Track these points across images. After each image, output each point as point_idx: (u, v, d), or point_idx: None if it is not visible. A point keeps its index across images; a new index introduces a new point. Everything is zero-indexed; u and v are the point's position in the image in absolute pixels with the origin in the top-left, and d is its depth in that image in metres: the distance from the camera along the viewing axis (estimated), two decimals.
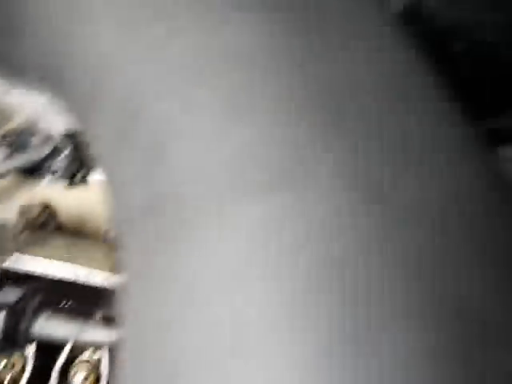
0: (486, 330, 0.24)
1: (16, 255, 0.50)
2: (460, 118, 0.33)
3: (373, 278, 0.23)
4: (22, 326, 0.47)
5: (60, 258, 0.54)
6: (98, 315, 0.66)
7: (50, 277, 0.57)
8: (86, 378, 0.69)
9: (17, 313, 0.47)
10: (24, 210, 0.75)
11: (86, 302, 0.68)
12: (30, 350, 0.68)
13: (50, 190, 0.77)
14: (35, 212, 0.75)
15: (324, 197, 0.26)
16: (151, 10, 0.37)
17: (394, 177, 0.28)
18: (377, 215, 0.25)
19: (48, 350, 0.71)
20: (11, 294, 0.47)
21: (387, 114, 0.31)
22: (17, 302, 0.47)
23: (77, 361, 0.71)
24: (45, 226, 0.76)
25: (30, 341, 0.48)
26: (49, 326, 0.48)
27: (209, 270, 0.25)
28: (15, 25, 0.49)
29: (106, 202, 0.42)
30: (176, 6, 0.35)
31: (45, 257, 0.53)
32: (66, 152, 0.69)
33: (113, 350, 0.71)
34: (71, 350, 0.71)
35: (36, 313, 0.48)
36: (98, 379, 0.70)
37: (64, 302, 0.63)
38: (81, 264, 0.55)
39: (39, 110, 0.71)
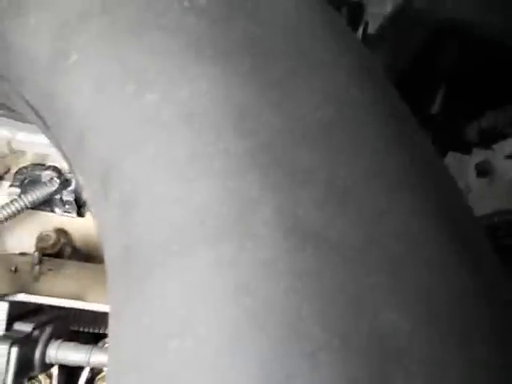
0: None
1: (29, 289, 0.55)
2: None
3: (304, 317, 0.26)
4: (37, 355, 0.52)
5: (70, 291, 0.59)
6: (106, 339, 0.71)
7: (59, 309, 0.63)
8: None
9: (30, 344, 0.52)
10: (41, 239, 0.80)
11: (93, 328, 0.73)
12: (55, 370, 0.74)
13: (63, 219, 0.82)
14: (52, 239, 0.80)
15: (263, 244, 0.29)
16: (121, 69, 0.41)
17: (328, 218, 0.31)
18: (308, 257, 0.28)
19: (71, 369, 0.77)
20: (24, 328, 0.52)
21: (327, 153, 0.33)
22: (29, 335, 0.52)
23: (99, 376, 0.77)
24: (62, 252, 0.82)
25: (46, 367, 0.53)
26: (61, 353, 0.53)
27: (167, 310, 0.29)
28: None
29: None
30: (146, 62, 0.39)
31: (56, 289, 0.58)
32: (73, 185, 0.74)
33: None
34: (93, 368, 0.76)
35: (48, 342, 0.53)
36: None
37: (73, 329, 0.68)
38: (90, 292, 0.60)
39: (47, 147, 0.76)
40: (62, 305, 0.56)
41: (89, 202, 0.46)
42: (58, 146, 0.52)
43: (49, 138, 0.56)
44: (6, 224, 0.81)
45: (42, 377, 0.74)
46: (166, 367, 0.27)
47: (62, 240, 0.83)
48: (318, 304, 0.26)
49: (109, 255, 0.39)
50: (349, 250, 0.29)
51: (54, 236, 0.81)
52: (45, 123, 0.52)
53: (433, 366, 0.25)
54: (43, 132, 0.56)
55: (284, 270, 0.28)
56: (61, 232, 0.83)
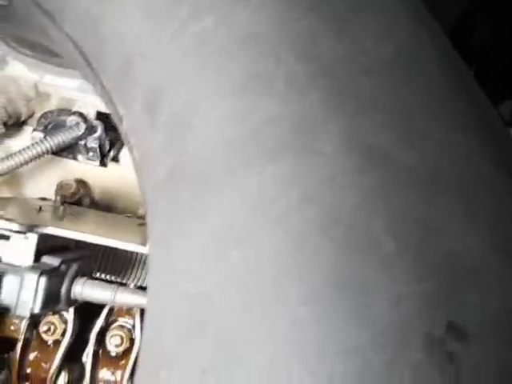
0: None
1: (55, 226, 0.55)
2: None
3: (375, 230, 0.26)
4: (63, 289, 0.52)
5: (94, 231, 0.59)
6: (130, 281, 0.71)
7: (84, 247, 0.62)
8: (121, 342, 0.74)
9: (57, 278, 0.51)
10: (61, 187, 0.80)
11: (118, 269, 0.73)
12: (70, 316, 0.74)
13: (85, 169, 0.81)
14: (72, 189, 0.79)
15: (328, 161, 0.29)
16: None
17: (396, 141, 0.30)
18: (377, 176, 0.28)
19: (86, 317, 0.77)
20: (51, 262, 0.52)
21: (390, 86, 0.33)
22: (57, 269, 0.52)
23: (112, 326, 0.77)
24: (80, 202, 0.81)
25: (71, 302, 0.52)
26: (86, 290, 0.53)
27: (226, 222, 0.29)
28: (49, 10, 0.53)
29: (136, 175, 0.46)
30: None
31: (80, 229, 0.58)
32: (99, 132, 0.73)
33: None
34: (107, 317, 0.76)
35: (74, 278, 0.53)
36: (132, 343, 0.75)
37: (98, 269, 0.68)
38: (112, 236, 0.60)
39: (73, 92, 0.75)
40: (91, 241, 0.55)
41: (129, 133, 0.46)
42: (95, 81, 0.51)
43: (84, 75, 0.55)
44: (25, 170, 0.80)
45: (57, 322, 0.74)
46: (227, 276, 0.26)
47: (82, 191, 0.82)
48: (388, 219, 0.26)
49: (153, 180, 0.38)
50: (418, 173, 0.28)
51: (74, 185, 0.81)
52: (83, 55, 0.51)
53: (509, 284, 0.24)
54: (79, 68, 0.54)
55: (352, 186, 0.27)
56: (81, 183, 0.82)
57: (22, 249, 0.50)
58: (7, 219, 0.51)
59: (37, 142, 0.69)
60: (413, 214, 0.26)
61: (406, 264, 0.24)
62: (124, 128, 0.47)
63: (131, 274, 0.74)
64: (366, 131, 0.30)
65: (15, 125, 0.79)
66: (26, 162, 0.69)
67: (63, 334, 0.73)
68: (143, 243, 0.60)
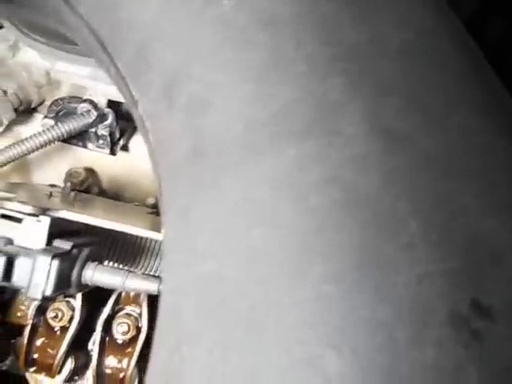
0: None
1: (66, 210, 0.55)
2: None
3: (399, 210, 0.26)
4: (74, 273, 0.52)
5: (104, 217, 0.59)
6: (138, 269, 0.71)
7: (95, 232, 0.62)
8: (127, 330, 0.74)
9: (69, 261, 0.51)
10: (70, 174, 0.80)
11: (126, 257, 0.73)
12: (77, 304, 0.74)
13: (93, 157, 0.81)
14: (81, 176, 0.79)
15: (351, 142, 0.29)
16: None
17: (416, 126, 0.30)
18: (400, 158, 0.28)
19: (93, 304, 0.77)
20: (63, 246, 0.52)
21: (409, 70, 0.33)
22: (68, 252, 0.52)
23: (119, 314, 0.77)
24: (89, 190, 0.81)
25: (81, 286, 0.52)
26: (97, 275, 0.53)
27: (247, 201, 0.29)
28: None
29: (150, 159, 0.46)
30: None
31: (91, 215, 0.58)
32: (110, 120, 0.73)
33: (152, 306, 0.77)
34: (114, 305, 0.76)
35: (85, 263, 0.53)
36: (138, 331, 0.75)
37: (107, 257, 0.68)
38: (123, 222, 0.60)
39: (84, 80, 0.75)
40: (103, 225, 0.55)
41: (144, 116, 0.46)
42: (110, 66, 0.51)
43: (98, 60, 0.55)
44: (34, 157, 0.81)
45: (64, 309, 0.74)
46: (249, 254, 0.26)
47: (90, 179, 0.82)
48: (412, 201, 0.26)
49: (171, 161, 0.38)
50: (440, 156, 0.28)
51: (83, 173, 0.81)
52: (99, 40, 0.51)
53: None
54: (94, 53, 0.54)
55: (375, 167, 0.27)
56: (89, 171, 0.82)
57: (35, 232, 0.50)
58: (20, 202, 0.51)
59: (48, 128, 0.69)
60: (436, 196, 0.26)
61: (431, 244, 0.24)
62: (139, 112, 0.47)
63: (139, 262, 0.74)
64: (387, 114, 0.30)
65: (26, 111, 0.79)
66: (38, 148, 0.69)
67: (70, 321, 0.73)
68: (153, 230, 0.61)
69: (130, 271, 0.56)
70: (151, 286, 0.53)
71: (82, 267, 0.52)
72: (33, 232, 0.50)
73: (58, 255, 0.49)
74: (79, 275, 0.52)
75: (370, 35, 0.35)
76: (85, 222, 0.54)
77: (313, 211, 0.25)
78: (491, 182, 0.28)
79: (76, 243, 0.53)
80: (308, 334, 0.21)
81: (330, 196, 0.26)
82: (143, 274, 0.73)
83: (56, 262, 0.49)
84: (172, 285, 0.31)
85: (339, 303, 0.22)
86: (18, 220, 0.51)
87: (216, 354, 0.23)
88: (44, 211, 0.52)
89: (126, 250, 0.75)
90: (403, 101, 0.31)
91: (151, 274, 0.75)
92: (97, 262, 0.54)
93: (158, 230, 0.60)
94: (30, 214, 0.50)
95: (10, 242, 0.50)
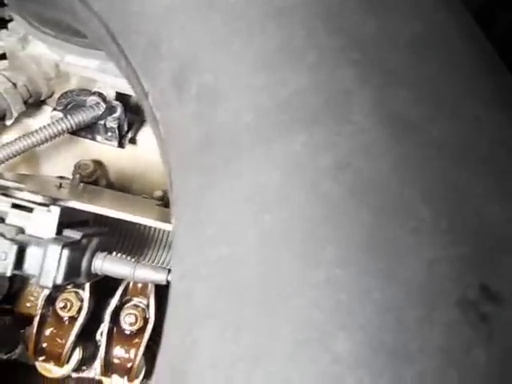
0: None
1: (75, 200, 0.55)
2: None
3: (408, 196, 0.26)
4: (84, 263, 0.52)
5: (113, 208, 0.59)
6: (147, 259, 0.72)
7: (104, 222, 0.63)
8: (135, 321, 0.75)
9: (79, 251, 0.52)
10: (79, 167, 0.80)
11: (134, 249, 0.73)
12: (86, 294, 0.75)
13: (101, 150, 0.82)
14: (89, 169, 0.80)
15: (361, 130, 0.29)
16: None
17: (427, 115, 0.31)
18: (410, 145, 0.28)
19: (101, 295, 0.78)
20: (73, 235, 0.52)
21: (414, 59, 0.33)
22: (78, 242, 0.52)
23: (127, 305, 0.78)
24: (97, 182, 0.82)
25: (91, 276, 0.53)
26: (106, 264, 0.53)
27: (259, 187, 0.29)
28: None
29: (160, 150, 0.46)
30: None
31: (99, 206, 0.58)
32: (118, 112, 0.74)
33: (160, 297, 0.77)
34: (122, 296, 0.77)
35: (95, 252, 0.54)
36: (145, 322, 0.76)
37: (116, 247, 0.69)
38: (132, 213, 0.60)
39: (93, 73, 0.76)
40: (113, 215, 0.56)
41: (155, 107, 0.46)
42: (120, 57, 0.51)
43: (108, 52, 0.56)
44: (42, 149, 0.81)
45: (73, 299, 0.75)
46: (260, 238, 0.27)
47: (99, 171, 0.83)
48: (422, 187, 0.26)
49: (182, 150, 0.39)
50: (450, 145, 0.28)
51: (91, 166, 0.81)
52: (109, 31, 0.52)
53: None
54: (103, 44, 0.55)
55: (385, 154, 0.27)
56: (98, 163, 0.83)
57: (45, 221, 0.51)
58: (31, 191, 0.52)
59: (57, 120, 0.70)
60: (445, 183, 0.26)
61: (440, 229, 0.24)
62: (149, 103, 0.47)
63: (146, 254, 0.75)
64: (397, 103, 0.30)
65: (35, 104, 0.80)
66: (47, 140, 0.69)
67: (79, 312, 0.74)
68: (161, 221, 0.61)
69: (139, 262, 0.56)
70: (160, 277, 0.54)
71: (92, 257, 0.53)
72: (43, 222, 0.51)
73: (69, 244, 0.50)
74: (89, 264, 0.53)
75: (379, 26, 0.35)
76: (94, 211, 0.55)
77: (324, 197, 0.26)
78: (500, 170, 0.28)
79: (86, 233, 0.54)
80: (319, 314, 0.22)
81: (341, 182, 0.26)
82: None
83: (66, 251, 0.49)
84: (183, 270, 0.31)
85: (350, 285, 0.22)
86: (29, 210, 0.51)
87: (228, 335, 0.23)
88: (54, 201, 0.52)
89: (133, 243, 0.76)
90: (413, 91, 0.31)
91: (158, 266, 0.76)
92: (106, 252, 0.55)
93: (166, 221, 0.60)
94: (40, 204, 0.51)
95: (21, 231, 0.50)
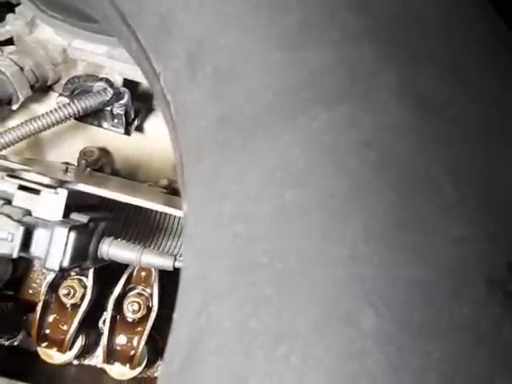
0: None
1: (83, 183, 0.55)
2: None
3: (434, 175, 0.25)
4: (91, 247, 0.52)
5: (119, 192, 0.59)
6: (152, 246, 0.71)
7: (111, 207, 0.62)
8: (138, 309, 0.75)
9: (86, 234, 0.51)
10: (84, 153, 0.80)
11: (139, 236, 0.73)
12: (89, 282, 0.74)
13: (107, 137, 0.81)
14: (95, 155, 0.80)
15: (385, 108, 0.28)
16: None
17: (451, 94, 0.30)
18: (435, 124, 0.28)
19: (105, 283, 0.77)
20: (80, 219, 0.52)
21: (439, 39, 0.33)
22: (85, 225, 0.52)
23: (130, 294, 0.77)
24: (102, 169, 0.81)
25: (97, 260, 0.53)
26: (113, 249, 0.53)
27: (278, 164, 0.28)
28: None
29: (170, 132, 0.46)
30: None
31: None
32: (126, 99, 0.73)
33: (163, 286, 0.77)
34: (125, 284, 0.77)
35: (102, 237, 0.53)
36: (149, 311, 0.75)
37: (123, 232, 0.68)
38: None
39: (101, 58, 0.75)
40: (121, 199, 0.55)
41: (166, 89, 0.45)
42: (131, 39, 0.50)
43: (118, 34, 0.55)
44: (47, 136, 0.80)
45: (77, 286, 0.74)
46: (279, 214, 0.26)
47: (104, 159, 0.82)
48: (448, 165, 0.25)
49: (196, 130, 0.38)
50: (474, 125, 0.28)
51: (96, 152, 0.81)
52: (120, 13, 0.51)
53: None
54: (114, 26, 0.54)
55: (410, 132, 0.27)
56: (103, 151, 0.83)
57: (52, 204, 0.50)
58: (38, 173, 0.51)
59: (64, 105, 0.69)
60: (471, 161, 0.26)
61: (467, 207, 0.24)
62: (160, 85, 0.47)
63: (152, 241, 0.74)
64: (421, 82, 0.30)
65: (41, 89, 0.79)
66: (54, 124, 0.69)
67: (82, 299, 0.73)
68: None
69: (145, 247, 0.56)
70: (166, 262, 0.54)
71: (99, 241, 0.53)
72: (50, 204, 0.50)
73: (76, 227, 0.49)
74: (95, 249, 0.52)
75: (404, 6, 0.35)
76: (102, 195, 0.54)
77: (348, 173, 0.25)
78: None
79: (93, 217, 0.53)
80: (344, 291, 0.21)
81: (366, 159, 0.26)
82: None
83: (73, 234, 0.49)
84: (196, 249, 0.31)
85: (375, 262, 0.22)
86: (36, 192, 0.51)
87: (248, 310, 0.23)
88: (62, 184, 0.52)
89: (138, 230, 0.75)
90: (437, 70, 0.31)
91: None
92: (113, 237, 0.54)
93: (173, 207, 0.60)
94: (48, 186, 0.50)
95: (28, 213, 0.50)
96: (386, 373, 0.19)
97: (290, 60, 0.32)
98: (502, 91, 0.31)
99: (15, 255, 0.47)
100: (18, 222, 0.48)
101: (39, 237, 0.48)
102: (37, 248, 0.48)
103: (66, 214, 0.51)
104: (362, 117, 0.27)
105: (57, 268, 0.48)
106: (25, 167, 0.53)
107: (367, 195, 0.24)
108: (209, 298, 0.26)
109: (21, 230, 0.47)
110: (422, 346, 0.19)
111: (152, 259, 0.54)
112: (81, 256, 0.51)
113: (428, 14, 0.34)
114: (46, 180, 0.51)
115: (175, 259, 0.54)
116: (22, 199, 0.50)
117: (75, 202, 0.54)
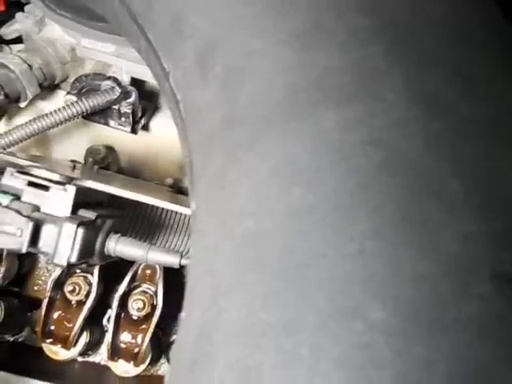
0: None
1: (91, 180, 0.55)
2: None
3: (442, 173, 0.26)
4: (98, 243, 0.52)
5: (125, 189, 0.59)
6: (160, 241, 0.72)
7: (118, 204, 0.63)
8: (143, 306, 0.75)
9: (93, 231, 0.52)
10: (91, 152, 0.80)
11: (145, 234, 0.73)
12: (94, 279, 0.75)
13: (113, 136, 0.82)
14: (101, 154, 0.80)
15: (393, 108, 0.29)
16: None
17: (458, 95, 0.31)
18: (442, 123, 0.28)
19: (110, 280, 0.78)
20: (88, 215, 0.52)
21: (446, 40, 0.33)
22: (93, 222, 0.52)
23: (135, 291, 0.78)
24: (108, 168, 0.82)
25: (104, 257, 0.53)
26: (120, 246, 0.53)
27: (287, 161, 0.29)
28: None
29: (179, 131, 0.46)
30: None
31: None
32: (133, 97, 0.74)
33: (167, 284, 0.77)
34: (130, 282, 0.77)
35: (109, 233, 0.54)
36: (153, 309, 0.76)
37: (129, 229, 0.69)
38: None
39: (109, 57, 0.76)
40: (128, 196, 0.56)
41: (176, 88, 0.46)
42: (140, 38, 0.51)
43: (127, 33, 0.56)
44: (54, 133, 0.81)
45: (82, 283, 0.75)
46: (288, 210, 0.26)
47: (110, 157, 0.83)
48: (455, 163, 0.26)
49: (205, 128, 0.39)
50: (481, 124, 0.28)
51: (103, 151, 0.81)
52: (130, 12, 0.51)
53: None
54: (123, 25, 0.55)
55: (417, 131, 0.27)
56: (109, 149, 0.83)
57: (61, 200, 0.51)
58: (48, 169, 0.52)
59: (72, 103, 0.70)
60: (478, 160, 0.26)
61: (473, 204, 0.24)
62: (169, 84, 0.47)
63: (158, 239, 0.75)
64: (428, 82, 0.30)
65: (49, 88, 0.80)
66: (62, 122, 0.69)
67: (87, 296, 0.74)
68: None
69: (152, 244, 0.56)
70: (173, 260, 0.54)
71: (106, 238, 0.53)
72: (59, 200, 0.51)
73: (84, 224, 0.50)
74: (102, 245, 0.53)
75: (412, 7, 0.35)
76: (110, 192, 0.55)
77: (355, 171, 0.26)
78: None
79: (100, 214, 0.54)
80: (352, 285, 0.22)
81: (373, 157, 0.26)
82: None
83: (81, 231, 0.49)
84: (205, 245, 0.31)
85: (383, 257, 0.22)
86: (45, 188, 0.51)
87: (257, 304, 0.23)
88: (70, 180, 0.52)
89: (144, 228, 0.75)
90: (444, 70, 0.31)
91: None
92: (120, 234, 0.55)
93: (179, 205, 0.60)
94: (57, 182, 0.51)
95: (36, 208, 0.50)
96: (394, 365, 0.19)
97: (299, 60, 0.32)
98: (509, 92, 0.32)
99: (24, 250, 0.47)
100: (27, 217, 0.48)
101: (47, 232, 0.49)
102: (45, 243, 0.49)
103: (74, 211, 0.52)
104: (370, 116, 0.28)
105: (65, 263, 0.49)
106: (35, 164, 0.54)
107: (375, 192, 0.25)
108: (218, 292, 0.27)
109: (30, 225, 0.47)
110: (429, 340, 0.20)
111: (159, 256, 0.54)
112: (88, 252, 0.51)
113: (436, 14, 0.35)
114: (55, 176, 0.51)
115: (181, 256, 0.55)
116: (31, 195, 0.51)
117: (83, 199, 0.54)
